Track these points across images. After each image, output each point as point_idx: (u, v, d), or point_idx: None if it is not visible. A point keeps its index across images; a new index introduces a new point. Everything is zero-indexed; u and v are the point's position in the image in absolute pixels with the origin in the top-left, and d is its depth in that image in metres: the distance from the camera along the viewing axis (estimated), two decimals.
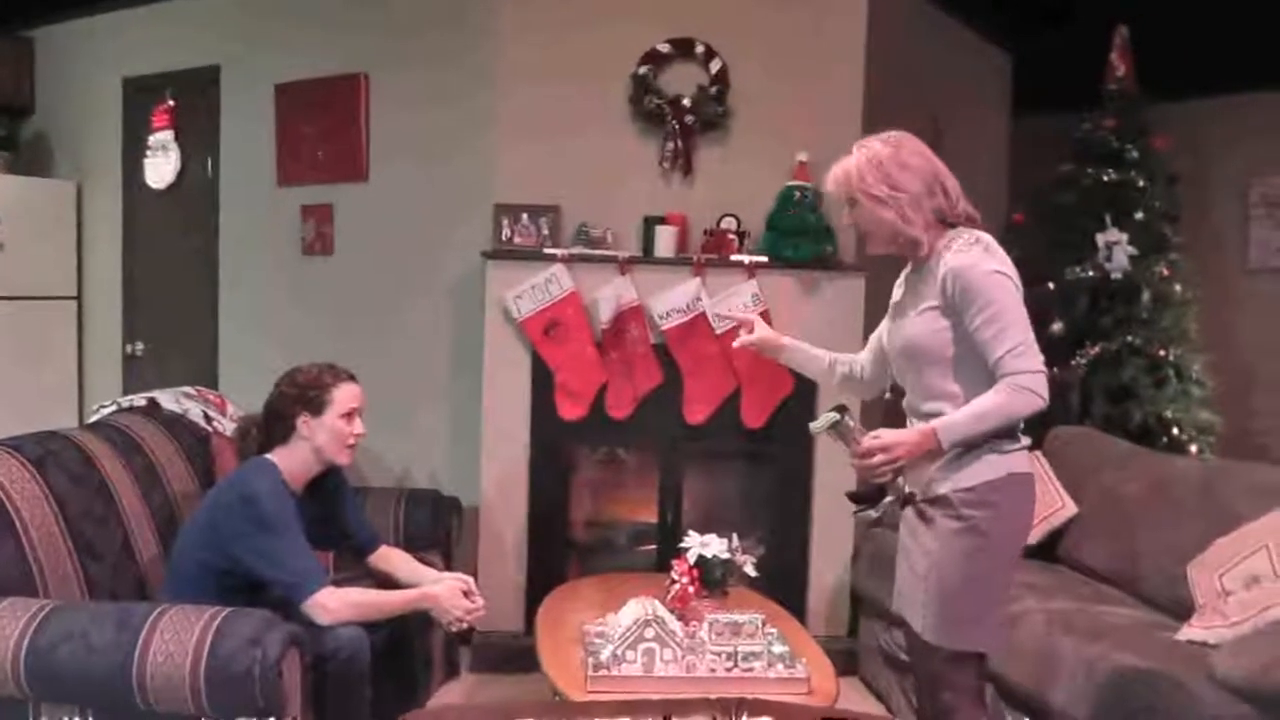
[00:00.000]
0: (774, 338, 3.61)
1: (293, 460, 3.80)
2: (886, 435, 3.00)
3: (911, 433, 3.00)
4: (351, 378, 3.94)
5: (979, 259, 2.96)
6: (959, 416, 2.96)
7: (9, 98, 7.46)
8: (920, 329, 3.04)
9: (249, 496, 3.64)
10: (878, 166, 3.03)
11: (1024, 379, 2.90)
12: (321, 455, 3.83)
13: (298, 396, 3.81)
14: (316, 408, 3.79)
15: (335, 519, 4.09)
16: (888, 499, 3.15)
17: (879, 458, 2.97)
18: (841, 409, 3.08)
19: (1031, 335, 2.95)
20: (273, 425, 3.85)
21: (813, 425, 3.12)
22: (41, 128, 7.58)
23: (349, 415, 3.85)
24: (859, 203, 3.07)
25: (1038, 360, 2.94)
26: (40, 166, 7.48)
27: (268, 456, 3.79)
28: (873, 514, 3.19)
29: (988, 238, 3.03)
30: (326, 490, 4.01)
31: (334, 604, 3.56)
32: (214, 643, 3.24)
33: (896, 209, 3.01)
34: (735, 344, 3.63)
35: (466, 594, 3.84)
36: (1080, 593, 4.53)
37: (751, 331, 3.59)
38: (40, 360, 6.94)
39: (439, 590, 3.76)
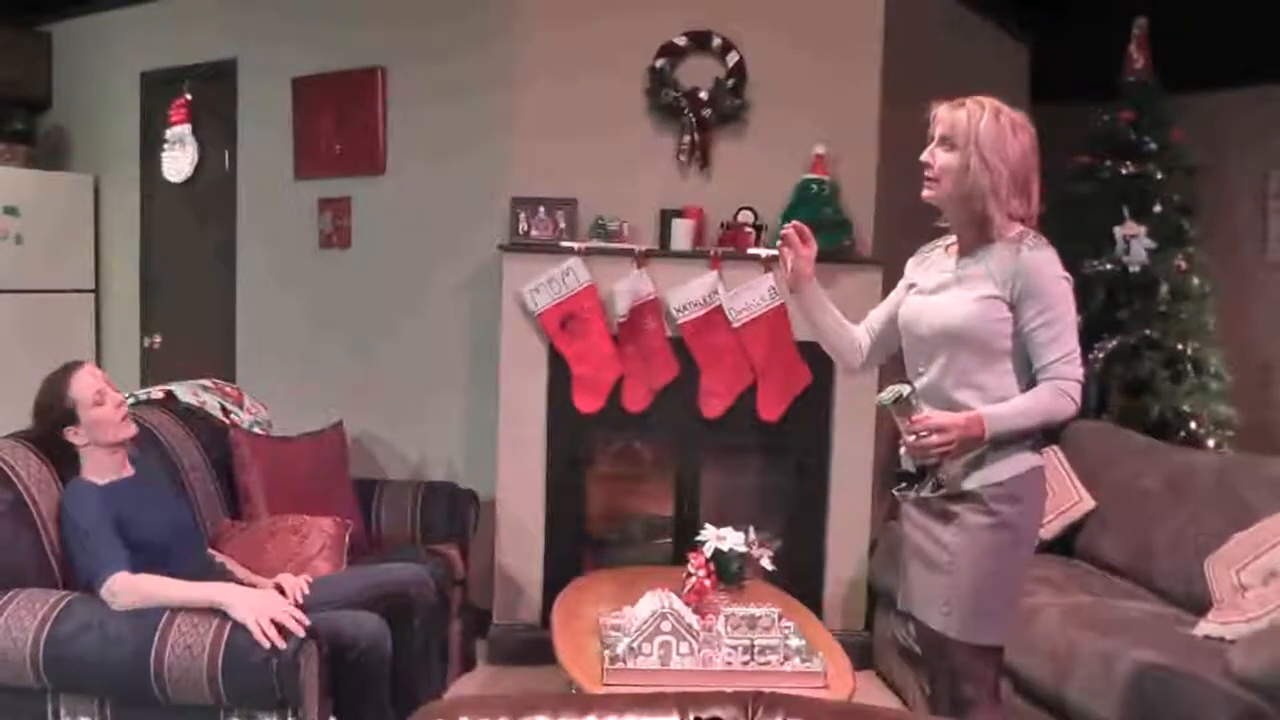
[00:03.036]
0: (809, 266, 3.35)
1: (95, 464, 3.69)
2: (939, 416, 2.98)
3: (960, 417, 2.97)
4: (77, 365, 3.76)
5: (1051, 261, 2.99)
6: (1005, 410, 2.98)
7: (27, 92, 7.50)
8: (974, 313, 3.02)
9: (64, 521, 3.61)
10: (1000, 135, 2.98)
11: (1069, 385, 2.95)
12: (108, 441, 3.70)
13: (50, 420, 3.68)
14: (69, 417, 3.64)
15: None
16: (929, 481, 3.13)
17: (934, 438, 2.95)
18: (907, 384, 3.09)
19: (1078, 345, 3.00)
20: (57, 454, 3.74)
21: (880, 397, 3.05)
22: (60, 122, 7.61)
23: (99, 399, 3.67)
24: (961, 152, 3.00)
25: (1081, 370, 3.00)
26: (58, 160, 7.51)
27: (79, 478, 3.67)
28: (911, 496, 3.18)
29: (1048, 242, 3.03)
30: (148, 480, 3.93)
31: (121, 589, 3.40)
32: (231, 634, 3.28)
33: (994, 182, 2.97)
34: (783, 232, 3.35)
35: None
36: (1097, 587, 4.52)
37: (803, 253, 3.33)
38: (58, 353, 6.83)
39: (230, 599, 3.43)
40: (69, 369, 3.73)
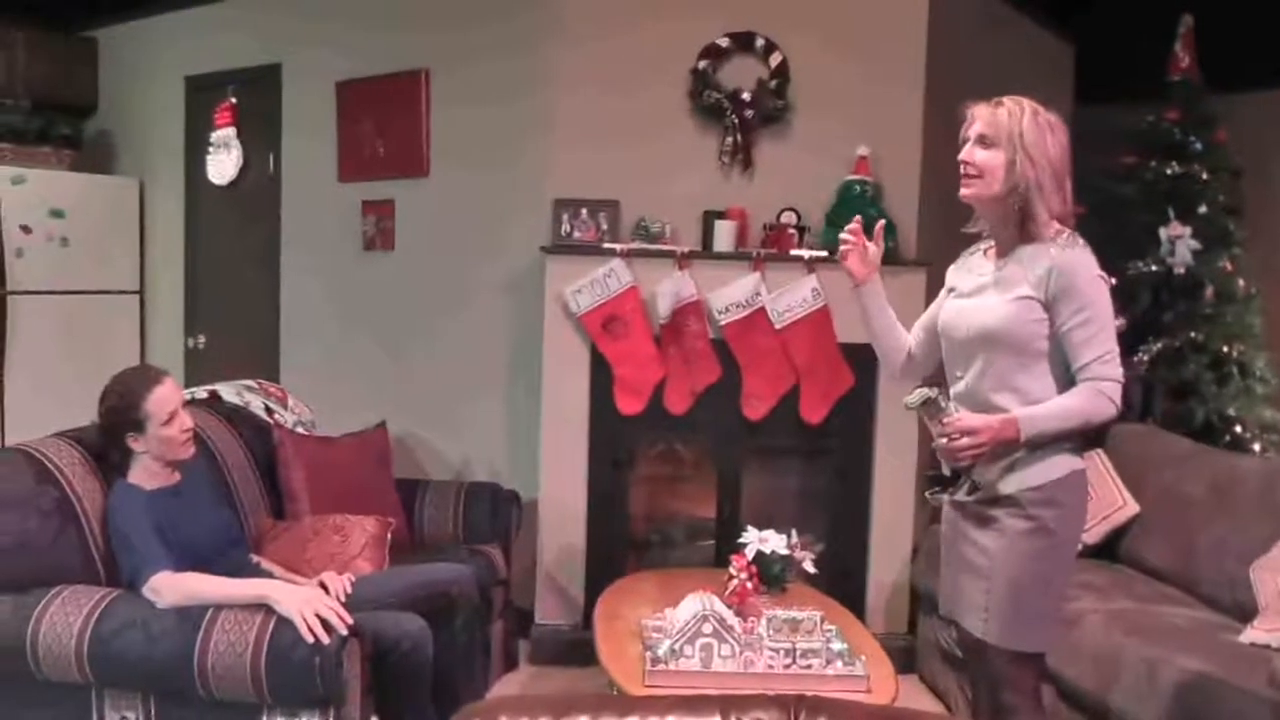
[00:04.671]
0: (875, 262, 3.39)
1: (146, 472, 3.73)
2: (971, 418, 2.96)
3: (994, 419, 2.95)
4: (159, 379, 3.75)
5: (1087, 260, 2.97)
6: (1041, 412, 2.96)
7: (74, 97, 7.59)
8: (1010, 315, 2.99)
9: (111, 522, 3.64)
10: (1041, 133, 2.97)
11: (1108, 386, 2.92)
12: (165, 458, 3.74)
13: (117, 422, 3.68)
14: (138, 426, 3.65)
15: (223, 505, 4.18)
16: (963, 485, 3.11)
17: (965, 441, 2.93)
18: (935, 386, 3.06)
19: (1117, 345, 2.96)
20: (110, 454, 3.75)
21: (907, 399, 3.04)
22: (105, 126, 7.69)
23: (171, 418, 3.69)
24: (1003, 149, 2.98)
25: (1121, 370, 2.96)
26: (104, 164, 7.60)
27: (127, 481, 3.71)
28: (945, 499, 3.15)
29: (1084, 241, 3.01)
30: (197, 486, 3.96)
31: (164, 587, 3.44)
32: (275, 633, 3.30)
33: (1038, 178, 2.95)
34: (846, 233, 3.36)
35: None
36: (1141, 593, 4.48)
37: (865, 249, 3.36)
38: (103, 354, 7.00)
39: (276, 593, 3.47)
40: (151, 379, 3.73)
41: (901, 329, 3.48)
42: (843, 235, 3.37)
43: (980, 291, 3.13)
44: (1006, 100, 3.03)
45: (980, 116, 3.05)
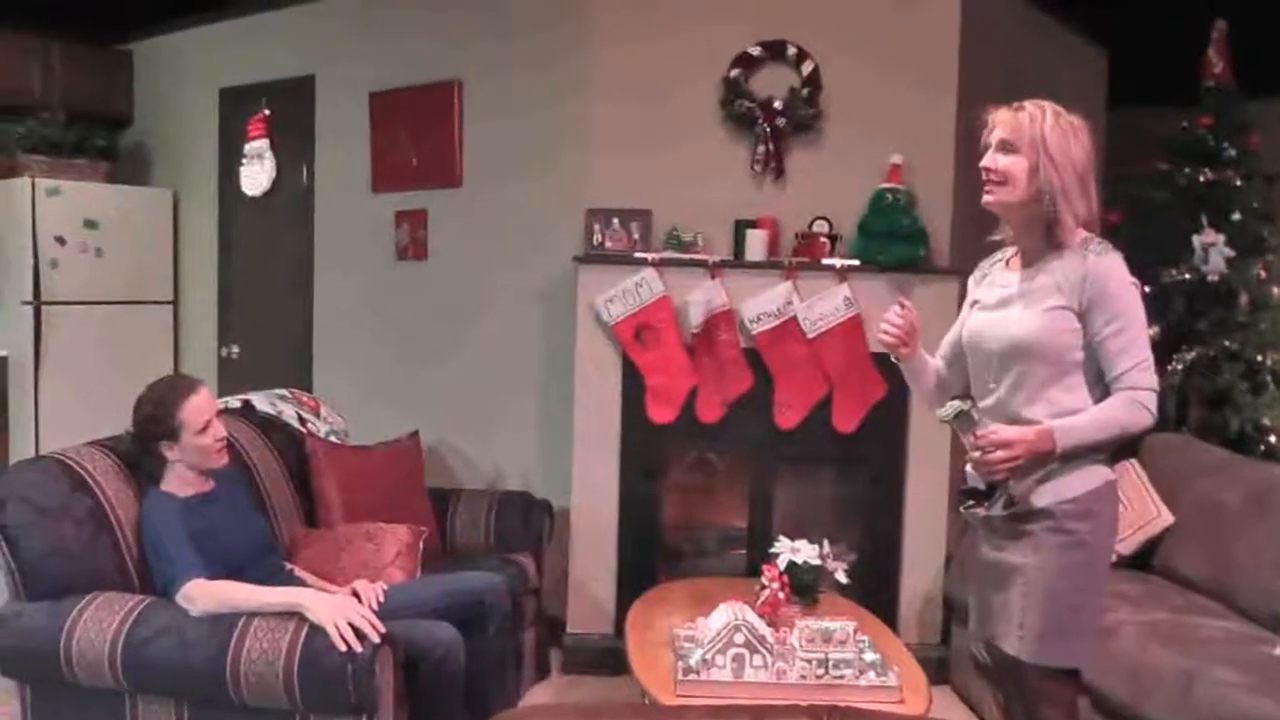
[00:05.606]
0: (917, 342, 3.33)
1: (180, 480, 3.76)
2: (1006, 431, 2.93)
3: (1029, 431, 2.91)
4: (193, 388, 3.79)
5: (1120, 266, 2.93)
6: (1077, 423, 2.91)
7: (109, 109, 7.65)
8: (1043, 326, 2.95)
9: (145, 530, 3.67)
10: (1064, 136, 2.94)
11: (1144, 395, 2.89)
12: (199, 466, 3.78)
13: (151, 431, 3.71)
14: (172, 434, 3.69)
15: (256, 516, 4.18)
16: (999, 498, 3.08)
17: (1000, 454, 2.90)
18: (967, 398, 3.03)
19: (1151, 353, 2.93)
20: (144, 462, 3.78)
21: (940, 411, 3.02)
22: (140, 138, 7.75)
23: (205, 427, 3.73)
24: (1026, 154, 2.95)
25: (1156, 379, 2.92)
26: (139, 175, 7.65)
27: (161, 489, 3.74)
28: (980, 513, 3.12)
29: (1112, 247, 2.98)
30: (230, 496, 3.99)
31: (198, 595, 3.46)
32: (308, 640, 3.31)
33: (1063, 183, 2.92)
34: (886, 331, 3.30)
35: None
36: (1176, 604, 4.44)
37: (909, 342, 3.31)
38: (137, 363, 7.03)
39: (308, 601, 3.47)
40: (186, 388, 3.76)
41: (934, 362, 3.43)
42: (888, 332, 3.31)
43: (1006, 303, 3.09)
44: (1027, 104, 3.00)
45: (1001, 121, 3.02)
